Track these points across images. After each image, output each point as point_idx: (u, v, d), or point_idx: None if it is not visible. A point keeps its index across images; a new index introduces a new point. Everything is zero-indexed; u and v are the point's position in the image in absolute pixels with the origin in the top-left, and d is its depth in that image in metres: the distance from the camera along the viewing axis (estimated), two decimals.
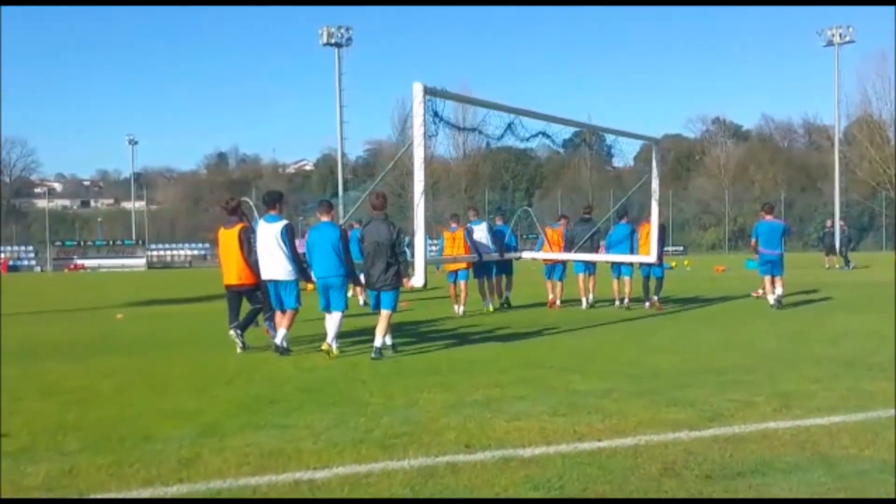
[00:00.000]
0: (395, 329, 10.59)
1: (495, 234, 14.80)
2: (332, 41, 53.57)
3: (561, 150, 14.62)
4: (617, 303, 14.59)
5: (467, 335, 10.71)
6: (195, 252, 68.51)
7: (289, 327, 9.10)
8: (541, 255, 15.24)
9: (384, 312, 8.81)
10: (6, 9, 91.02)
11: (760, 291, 14.64)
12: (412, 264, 9.14)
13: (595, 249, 15.10)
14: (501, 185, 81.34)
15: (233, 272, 9.38)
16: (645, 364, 7.77)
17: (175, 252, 67.52)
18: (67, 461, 4.65)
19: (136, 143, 73.35)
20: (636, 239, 14.57)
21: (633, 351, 8.77)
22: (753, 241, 14.19)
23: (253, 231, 9.38)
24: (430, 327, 11.87)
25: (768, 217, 14.20)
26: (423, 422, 5.45)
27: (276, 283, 9.05)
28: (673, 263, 35.98)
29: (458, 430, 5.19)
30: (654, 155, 14.36)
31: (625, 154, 15.08)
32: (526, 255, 15.72)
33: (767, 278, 13.98)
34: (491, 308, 14.34)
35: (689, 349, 8.85)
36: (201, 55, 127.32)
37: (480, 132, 10.57)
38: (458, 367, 7.75)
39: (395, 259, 8.83)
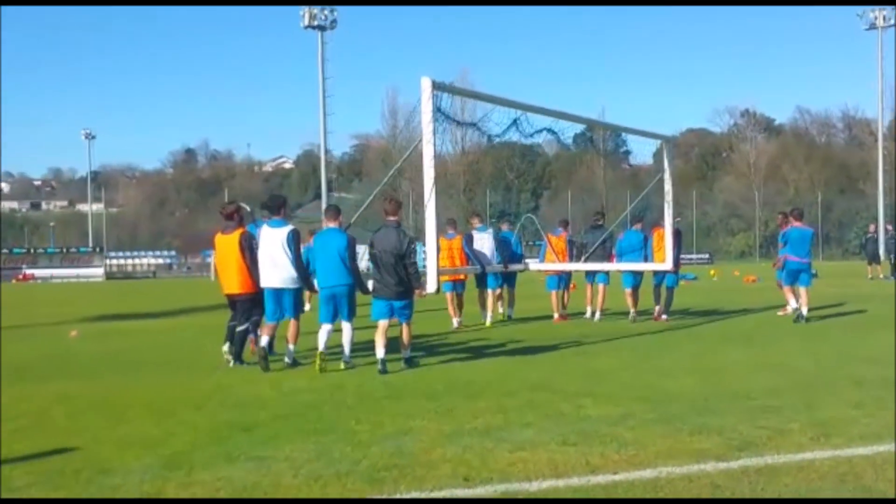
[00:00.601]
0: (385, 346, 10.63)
1: (500, 242, 14.90)
2: (315, 23, 53.64)
3: (571, 147, 14.79)
4: (631, 314, 14.80)
5: (466, 353, 10.75)
6: (160, 261, 68.51)
7: (295, 340, 9.68)
8: (548, 266, 15.50)
9: (403, 325, 9.54)
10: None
11: (789, 309, 15.09)
12: (423, 272, 9.55)
13: (607, 258, 15.43)
14: (505, 185, 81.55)
15: (234, 280, 9.80)
16: (664, 387, 7.79)
17: (137, 261, 67.50)
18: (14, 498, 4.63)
19: (93, 137, 73.30)
20: (650, 245, 15.00)
21: (650, 372, 8.80)
22: (781, 245, 14.77)
23: (253, 237, 9.80)
24: (426, 343, 11.89)
25: (797, 223, 14.64)
26: (416, 452, 5.46)
27: (277, 291, 9.54)
28: (694, 274, 36.06)
29: (455, 461, 5.20)
30: (665, 154, 14.74)
31: (641, 151, 15.20)
32: (533, 266, 15.78)
33: (788, 288, 14.56)
34: (489, 322, 14.63)
35: (713, 370, 8.87)
36: (167, 39, 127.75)
37: (481, 130, 11.08)
38: (456, 390, 7.77)
39: (405, 269, 9.33)
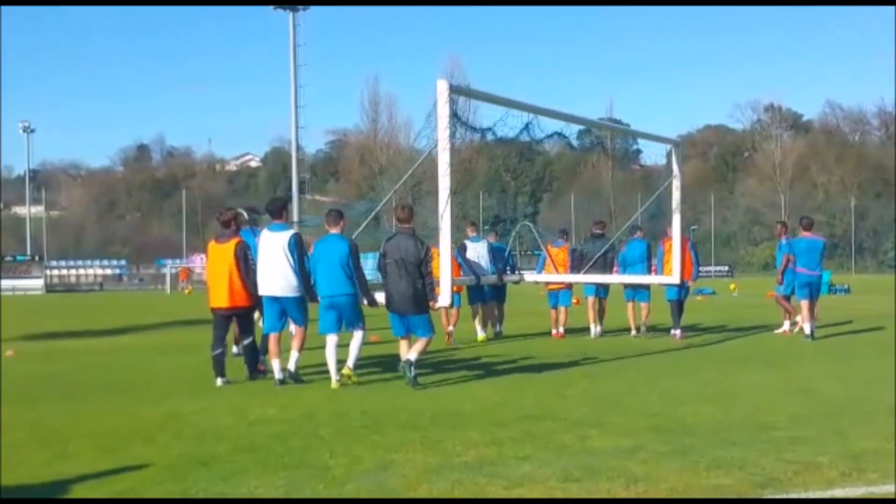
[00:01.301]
0: (363, 366, 10.58)
1: (494, 252, 15.22)
2: (285, 3, 53.57)
3: (575, 146, 15.32)
4: (633, 332, 15.69)
5: (456, 375, 10.76)
6: (107, 271, 68.30)
7: (301, 349, 10.11)
8: (544, 277, 15.92)
9: (421, 340, 9.88)
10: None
11: (786, 326, 15.89)
12: (437, 283, 10.12)
13: (609, 269, 15.97)
14: (500, 187, 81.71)
15: (223, 293, 10.16)
16: (677, 415, 7.82)
17: (82, 271, 67.25)
18: None
19: (32, 131, 72.89)
20: (660, 256, 15.64)
21: (662, 397, 8.83)
22: (787, 256, 15.49)
23: (249, 247, 10.26)
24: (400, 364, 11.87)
25: (807, 233, 15.45)
26: (398, 489, 5.45)
27: (278, 300, 10.04)
28: (712, 288, 36.23)
29: (443, 499, 5.18)
30: (674, 160, 15.29)
31: (654, 150, 15.67)
32: (528, 277, 16.10)
33: (805, 303, 15.07)
34: (482, 337, 15.30)
35: (732, 396, 8.92)
36: (117, 21, 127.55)
37: (497, 135, 11.68)
38: (443, 418, 7.77)
39: (422, 279, 9.74)
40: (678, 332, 15.47)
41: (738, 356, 12.77)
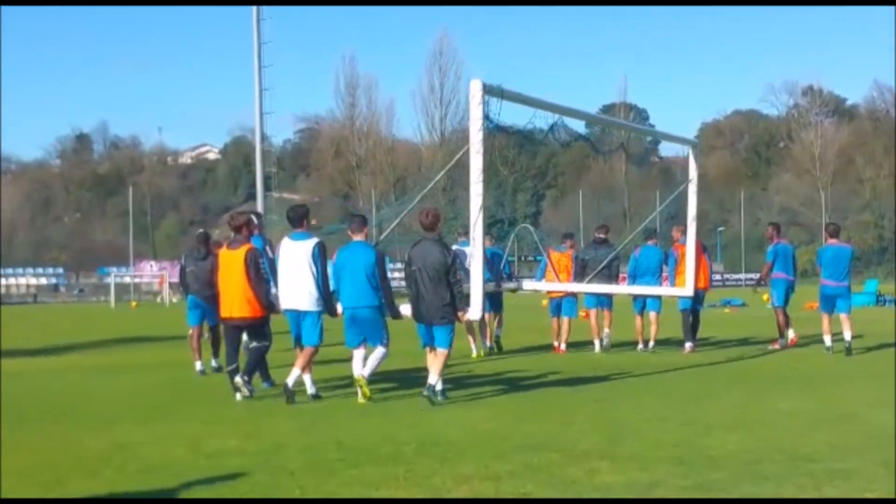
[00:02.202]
0: (338, 386, 10.61)
1: (489, 259, 15.32)
2: None
3: (589, 136, 16.00)
4: (640, 346, 16.59)
5: (446, 398, 10.76)
6: (42, 280, 68.13)
7: (304, 368, 10.76)
8: (544, 286, 16.40)
9: (440, 351, 10.56)
10: None
11: (780, 343, 16.72)
12: (467, 294, 10.84)
13: (614, 279, 16.54)
14: (497, 183, 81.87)
15: (234, 302, 10.85)
16: (700, 445, 7.84)
17: (12, 280, 67.05)
18: None
19: None
20: (672, 264, 16.47)
21: (683, 425, 8.85)
22: (766, 265, 16.84)
23: (262, 254, 11.05)
24: (393, 384, 11.96)
25: (833, 241, 16.15)
26: None
27: (299, 313, 10.80)
28: (742, 299, 36.26)
29: None
30: (691, 162, 16.03)
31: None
32: (527, 285, 16.43)
33: (826, 317, 15.74)
34: (475, 354, 15.90)
35: (762, 423, 8.94)
36: None
37: (529, 137, 12.88)
38: (431, 450, 7.77)
39: (450, 288, 10.45)
40: (689, 345, 16.20)
41: (771, 377, 12.81)
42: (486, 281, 14.72)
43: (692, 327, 16.55)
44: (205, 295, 13.64)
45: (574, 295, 16.59)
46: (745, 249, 75.32)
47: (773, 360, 14.89)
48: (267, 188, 54.89)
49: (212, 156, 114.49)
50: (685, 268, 15.61)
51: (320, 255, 10.69)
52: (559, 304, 16.54)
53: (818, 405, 10.06)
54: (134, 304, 49.01)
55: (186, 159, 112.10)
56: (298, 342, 10.98)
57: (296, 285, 10.68)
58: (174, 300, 52.24)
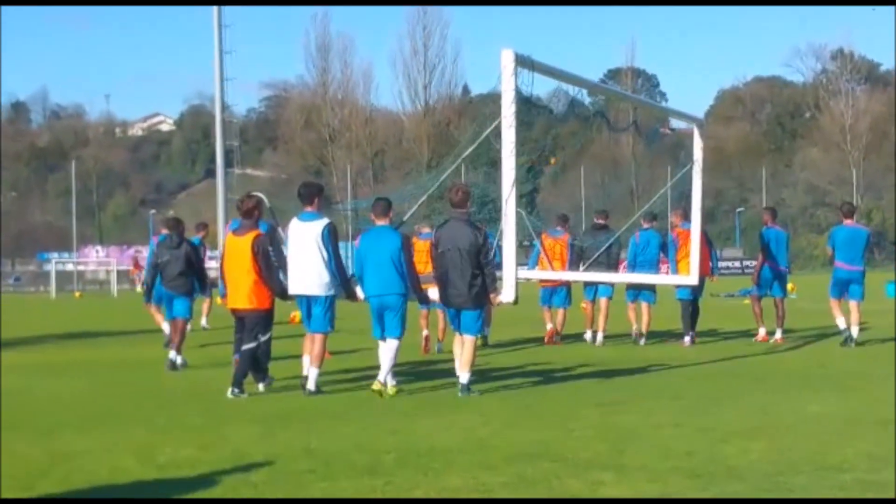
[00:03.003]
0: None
1: None
2: None
3: (605, 116, 16.80)
4: (634, 335, 17.57)
5: (430, 400, 10.79)
6: None
7: (320, 363, 11.37)
8: (536, 274, 16.84)
9: (468, 339, 11.20)
10: None
11: (762, 333, 17.38)
12: (500, 277, 11.41)
13: (613, 266, 17.28)
14: (488, 158, 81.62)
15: (241, 293, 11.43)
16: (715, 454, 7.85)
17: None
18: None
19: None
20: (672, 250, 17.16)
21: (698, 431, 8.86)
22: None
23: (272, 241, 11.60)
24: (363, 386, 11.97)
25: (848, 221, 16.81)
26: None
27: (310, 299, 11.32)
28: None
29: None
30: (696, 142, 16.56)
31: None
32: (519, 274, 16.61)
33: (835, 302, 16.43)
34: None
35: (789, 428, 8.96)
36: None
37: (554, 112, 14.02)
38: (413, 460, 7.77)
39: (481, 270, 11.07)
40: (689, 338, 17.00)
41: (797, 376, 12.85)
42: None
43: (692, 318, 17.22)
44: (174, 286, 14.51)
45: (568, 285, 17.08)
46: None
47: (798, 358, 14.94)
48: (228, 164, 54.80)
49: (166, 127, 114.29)
50: (685, 254, 16.32)
51: (331, 237, 11.19)
52: (551, 294, 17.00)
53: (850, 409, 10.08)
54: (77, 294, 48.87)
55: (137, 131, 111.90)
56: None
57: (305, 269, 11.21)
58: (139, 289, 52.06)
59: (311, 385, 11.27)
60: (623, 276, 17.19)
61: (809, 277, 51.13)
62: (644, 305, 17.28)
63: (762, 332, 17.39)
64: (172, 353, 14.42)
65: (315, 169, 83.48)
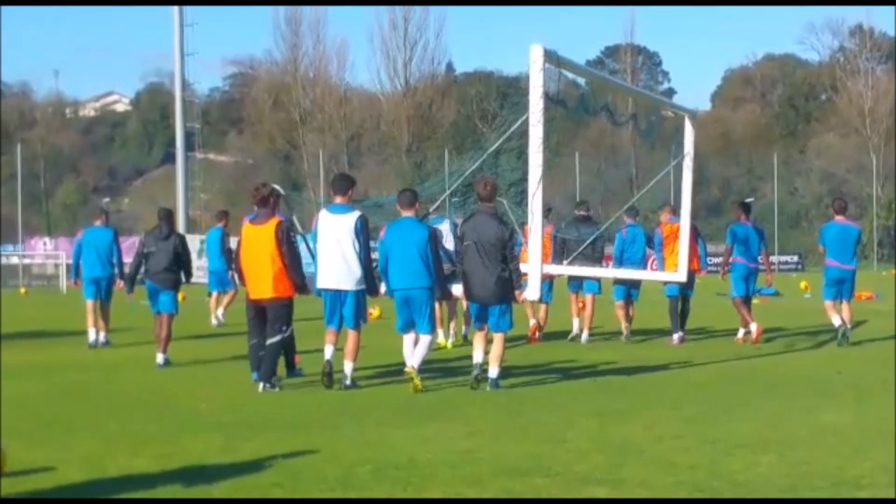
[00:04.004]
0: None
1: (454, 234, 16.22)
2: None
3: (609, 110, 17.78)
4: (624, 331, 18.27)
5: (409, 407, 10.83)
6: None
7: (355, 357, 12.28)
8: (561, 269, 17.71)
9: (497, 336, 12.09)
10: None
11: (742, 333, 17.95)
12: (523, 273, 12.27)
13: (598, 260, 18.15)
14: (474, 141, 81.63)
15: (266, 281, 12.11)
16: (722, 468, 7.87)
17: None
18: None
19: None
20: (658, 245, 18.05)
21: (701, 443, 8.89)
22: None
23: (292, 227, 12.47)
24: (343, 389, 12.00)
25: (839, 218, 17.62)
26: None
27: (339, 294, 12.10)
28: (775, 288, 36.43)
29: None
30: (687, 133, 17.48)
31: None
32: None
33: (829, 304, 17.23)
34: (446, 342, 17.05)
35: (802, 441, 8.98)
36: None
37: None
38: (390, 474, 7.77)
39: (507, 265, 11.85)
40: (677, 336, 17.75)
41: (810, 382, 12.90)
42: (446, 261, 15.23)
43: (682, 315, 18.00)
44: (160, 279, 15.25)
45: (551, 278, 17.58)
46: (779, 225, 75.57)
47: (811, 362, 14.98)
48: (189, 147, 54.79)
49: (120, 107, 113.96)
50: (672, 250, 17.17)
51: (363, 230, 12.02)
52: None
53: (868, 418, 10.11)
54: (23, 290, 48.64)
55: (89, 111, 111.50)
56: (334, 321, 12.27)
57: (338, 263, 11.99)
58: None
59: (347, 381, 12.12)
60: (608, 272, 18.05)
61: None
62: (588, 297, 18.18)
63: (753, 328, 17.76)
64: (160, 356, 15.00)
65: (284, 153, 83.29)
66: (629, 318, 18.25)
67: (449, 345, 17.00)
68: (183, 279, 15.77)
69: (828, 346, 17.25)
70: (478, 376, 12.00)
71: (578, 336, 18.09)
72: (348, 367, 12.18)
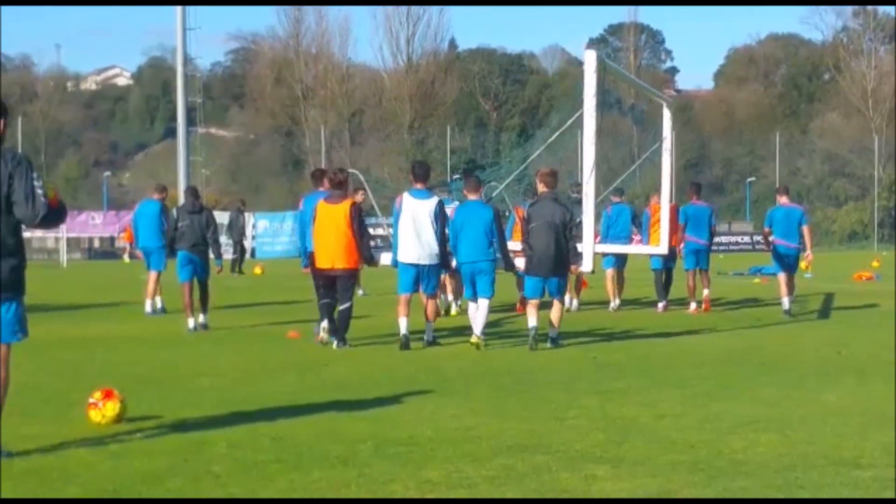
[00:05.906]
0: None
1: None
2: None
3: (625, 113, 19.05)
4: (613, 303, 20.35)
5: (408, 381, 10.82)
6: None
7: (434, 318, 14.67)
8: (613, 248, 19.66)
9: (556, 302, 14.25)
10: None
11: (693, 306, 19.68)
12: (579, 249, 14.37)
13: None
14: (476, 118, 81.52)
15: (340, 253, 13.76)
16: (720, 447, 7.88)
17: None
18: None
19: None
20: (646, 222, 20.04)
21: (701, 421, 8.90)
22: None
23: (362, 209, 14.49)
24: (348, 359, 11.95)
25: (784, 200, 19.91)
26: None
27: (419, 268, 14.22)
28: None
29: None
30: (665, 121, 19.83)
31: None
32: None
33: (782, 276, 19.14)
34: (457, 311, 18.95)
35: (802, 420, 8.99)
36: None
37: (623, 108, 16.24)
38: (391, 450, 7.79)
39: (566, 243, 13.84)
40: (662, 305, 19.97)
41: (811, 363, 12.90)
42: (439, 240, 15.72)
43: (665, 286, 20.13)
44: (199, 250, 16.68)
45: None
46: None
47: (813, 342, 14.96)
48: (191, 122, 54.52)
49: (122, 81, 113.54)
50: (659, 226, 18.80)
51: (440, 213, 14.11)
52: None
53: (869, 398, 10.11)
54: None
55: (90, 85, 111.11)
56: (410, 289, 14.27)
57: (420, 242, 14.03)
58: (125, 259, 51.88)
59: (428, 336, 14.33)
60: (600, 247, 19.02)
61: (826, 255, 51.17)
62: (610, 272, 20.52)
63: (692, 305, 19.69)
64: (198, 318, 16.59)
65: (286, 129, 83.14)
66: (620, 290, 20.43)
67: (455, 312, 18.92)
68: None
69: (832, 325, 17.22)
70: (535, 336, 13.75)
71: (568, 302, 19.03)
72: (430, 327, 14.36)
